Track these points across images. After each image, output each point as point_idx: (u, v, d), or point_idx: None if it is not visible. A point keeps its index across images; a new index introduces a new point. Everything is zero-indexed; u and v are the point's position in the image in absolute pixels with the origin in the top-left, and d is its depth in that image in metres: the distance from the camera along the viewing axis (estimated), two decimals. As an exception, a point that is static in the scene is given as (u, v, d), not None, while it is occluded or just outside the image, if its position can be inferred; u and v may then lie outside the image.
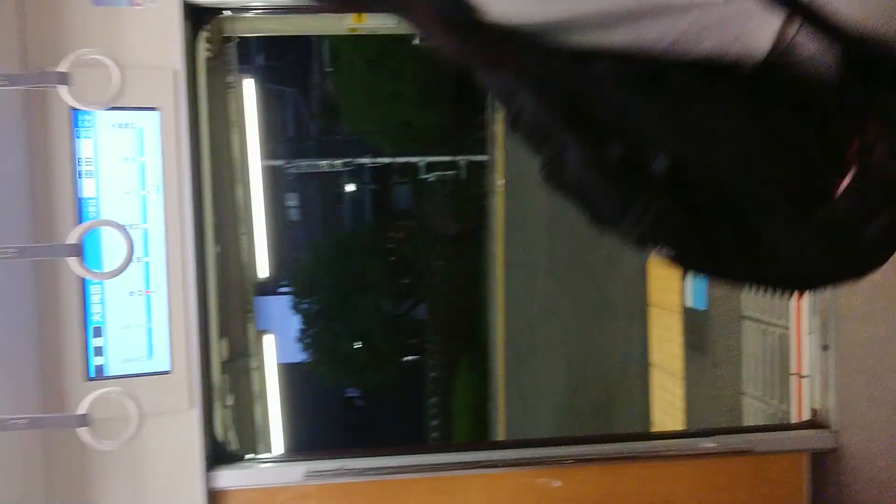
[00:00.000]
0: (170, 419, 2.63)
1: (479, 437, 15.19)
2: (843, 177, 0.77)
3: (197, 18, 2.72)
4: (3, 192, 2.44)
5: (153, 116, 2.61)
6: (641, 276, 6.03)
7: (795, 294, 0.97)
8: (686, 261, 0.92)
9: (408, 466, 2.81)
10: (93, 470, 2.62)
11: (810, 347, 3.08)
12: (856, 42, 0.71)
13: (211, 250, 2.89)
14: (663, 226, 0.84)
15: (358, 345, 18.05)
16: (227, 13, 2.81)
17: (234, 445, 2.96)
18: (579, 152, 0.86)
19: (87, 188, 2.56)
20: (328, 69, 18.11)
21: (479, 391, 15.01)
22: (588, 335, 7.94)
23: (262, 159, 5.70)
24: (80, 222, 2.52)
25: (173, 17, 2.59)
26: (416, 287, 19.25)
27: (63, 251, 2.07)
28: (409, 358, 19.39)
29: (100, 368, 2.59)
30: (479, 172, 16.02)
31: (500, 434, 13.21)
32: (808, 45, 0.72)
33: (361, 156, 18.40)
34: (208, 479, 2.71)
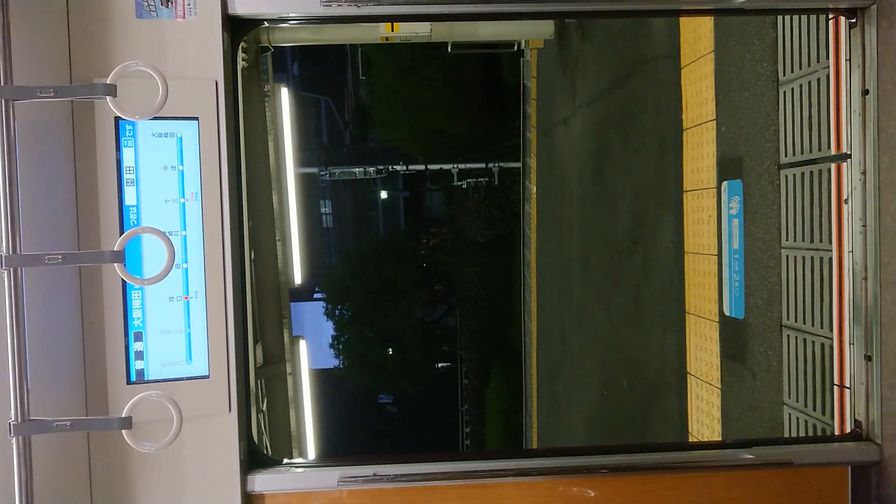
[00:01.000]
0: (208, 423, 2.67)
1: (512, 445, 15.12)
2: None
3: (236, 30, 2.78)
4: (50, 199, 2.51)
5: (192, 125, 2.66)
6: (678, 284, 5.96)
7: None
8: None
9: (441, 473, 2.81)
10: (133, 472, 2.67)
11: (853, 358, 3.01)
12: None
13: (248, 257, 2.93)
14: None
15: (390, 351, 18.12)
16: (265, 24, 2.86)
17: (267, 450, 2.99)
18: None
19: (129, 196, 2.62)
20: (361, 77, 18.29)
21: (512, 399, 14.95)
22: (623, 343, 7.86)
23: (296, 167, 5.78)
24: (123, 229, 2.58)
25: (214, 28, 2.64)
26: (448, 294, 19.27)
27: (108, 258, 2.12)
28: (442, 365, 19.39)
29: (140, 372, 2.64)
30: (512, 179, 16.01)
31: (533, 442, 13.13)
32: None
33: (394, 163, 18.53)
34: (244, 483, 2.74)
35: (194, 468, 2.70)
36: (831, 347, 3.74)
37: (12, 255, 2.07)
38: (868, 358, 2.93)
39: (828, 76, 3.74)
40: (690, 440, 5.75)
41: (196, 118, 2.64)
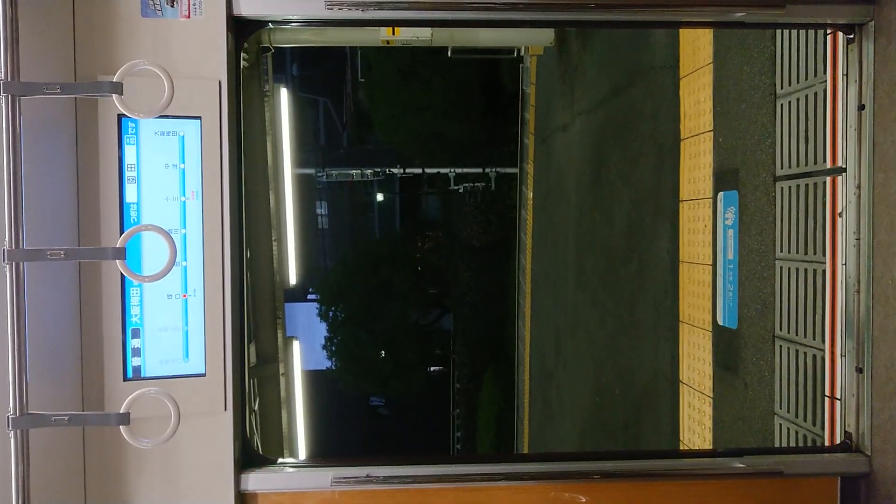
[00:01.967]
0: (203, 421, 2.68)
1: (503, 450, 15.11)
2: None
3: (240, 30, 2.80)
4: (52, 195, 2.52)
5: (195, 125, 2.67)
6: (672, 293, 5.99)
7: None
8: None
9: (434, 476, 2.82)
10: (127, 468, 2.68)
11: (845, 370, 3.04)
12: None
13: (245, 256, 2.95)
14: None
15: (383, 354, 18.10)
16: (269, 25, 2.88)
17: (258, 450, 3.00)
18: None
19: (130, 193, 2.64)
20: (361, 80, 18.32)
21: (504, 404, 14.95)
22: (616, 350, 7.88)
23: (293, 167, 5.79)
24: (123, 226, 2.59)
25: (218, 28, 2.66)
26: (442, 298, 19.26)
27: (110, 254, 2.13)
28: (435, 368, 19.38)
29: (137, 369, 2.65)
30: (509, 185, 16.03)
31: (524, 448, 13.13)
32: None
33: (392, 166, 18.53)
34: (238, 482, 2.75)
35: (188, 466, 2.71)
36: (823, 359, 3.77)
37: (15, 249, 2.08)
38: (859, 370, 2.96)
39: (825, 90, 3.78)
40: (681, 448, 5.77)
41: (199, 117, 2.66)
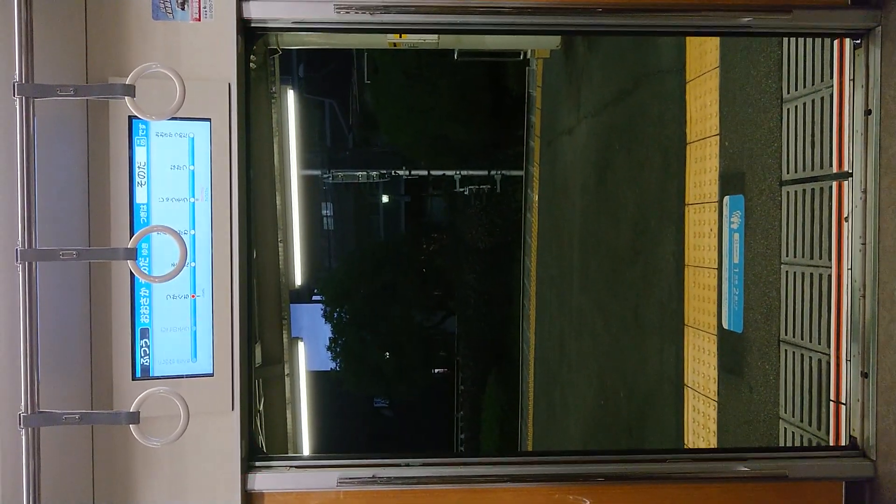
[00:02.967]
0: (210, 421, 2.70)
1: (507, 452, 15.11)
2: None
3: (250, 34, 2.82)
4: (63, 195, 2.54)
5: (204, 126, 2.70)
6: (677, 296, 5.99)
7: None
8: None
9: (440, 477, 2.84)
10: (135, 467, 2.70)
11: (850, 374, 3.04)
12: None
13: (252, 257, 2.97)
14: None
15: (387, 355, 18.12)
16: (278, 29, 2.90)
17: (264, 449, 3.02)
18: None
19: (140, 194, 2.66)
20: (367, 82, 18.37)
21: (508, 406, 14.95)
22: (621, 353, 7.88)
23: (300, 168, 5.81)
24: (133, 227, 2.62)
25: (228, 32, 2.68)
26: (447, 299, 19.28)
27: (122, 254, 2.15)
28: (439, 370, 19.39)
29: (146, 368, 2.67)
30: (514, 187, 16.04)
31: (528, 449, 13.12)
32: None
33: (397, 167, 18.55)
34: (244, 482, 2.77)
35: (195, 465, 2.73)
36: (828, 363, 3.77)
37: (27, 249, 2.11)
38: (864, 375, 2.96)
39: (831, 95, 3.78)
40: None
41: (209, 119, 2.68)
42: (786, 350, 4.28)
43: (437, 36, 7.91)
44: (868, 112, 2.94)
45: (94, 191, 2.64)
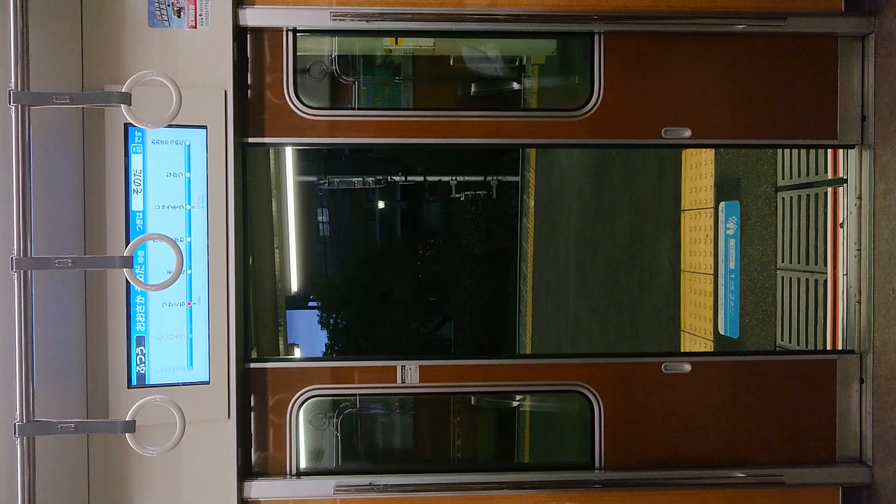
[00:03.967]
0: (206, 429, 2.69)
1: (502, 458, 15.05)
2: None
3: (245, 41, 2.82)
4: (59, 203, 2.53)
5: (200, 134, 2.69)
6: (674, 302, 5.99)
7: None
8: None
9: (436, 485, 2.83)
10: (130, 476, 2.69)
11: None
12: None
13: (248, 264, 2.96)
14: None
15: (384, 361, 18.06)
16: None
17: (261, 458, 3.00)
18: None
19: (136, 202, 2.65)
20: (362, 87, 18.34)
21: (505, 412, 14.89)
22: (617, 359, 7.86)
23: (295, 175, 5.80)
24: (129, 234, 2.61)
25: (225, 39, 2.68)
26: (443, 305, 19.25)
27: (118, 263, 2.14)
28: (435, 376, 19.34)
29: (141, 376, 2.66)
30: (510, 193, 16.04)
31: (525, 458, 13.08)
32: None
33: (394, 174, 18.55)
34: (241, 490, 2.76)
35: (191, 473, 2.72)
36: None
37: (23, 257, 2.10)
38: (861, 381, 2.96)
39: (826, 101, 3.79)
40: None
41: (205, 126, 2.68)
42: (782, 355, 4.29)
43: (433, 41, 7.92)
44: (863, 118, 2.95)
45: (89, 199, 2.63)
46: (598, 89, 2.89)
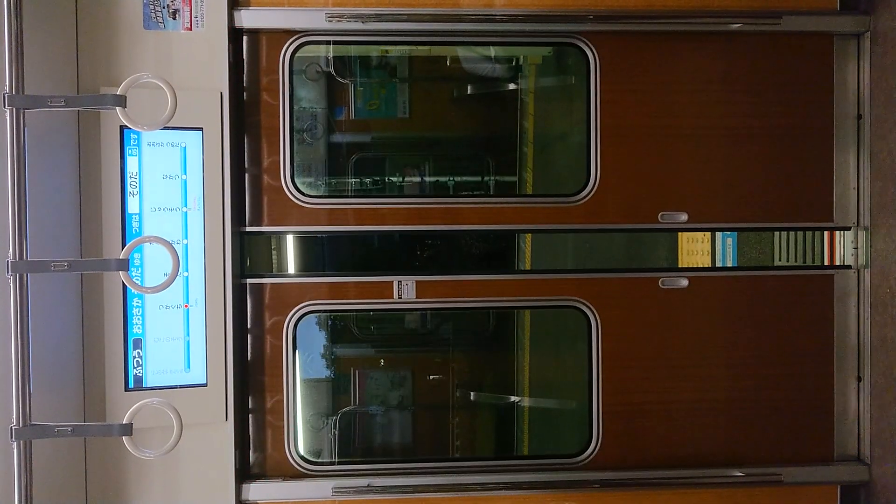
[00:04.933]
0: (204, 431, 2.68)
1: (502, 450, 15.05)
2: None
3: (241, 42, 2.82)
4: (54, 206, 2.53)
5: (196, 136, 2.69)
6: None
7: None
8: None
9: (435, 486, 2.82)
10: (128, 479, 2.68)
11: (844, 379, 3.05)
12: None
13: (245, 266, 2.95)
14: None
15: (382, 362, 18.10)
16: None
17: (260, 460, 2.99)
18: None
19: (132, 204, 2.65)
20: (360, 87, 18.35)
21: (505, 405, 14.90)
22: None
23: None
24: (125, 237, 2.60)
25: (220, 41, 2.68)
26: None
27: (114, 266, 2.14)
28: (434, 377, 19.39)
29: (138, 379, 2.66)
30: (508, 193, 16.04)
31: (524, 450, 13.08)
32: None
33: (391, 175, 18.55)
34: (239, 492, 2.75)
35: (189, 476, 2.71)
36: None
37: (18, 261, 2.09)
38: (858, 379, 2.97)
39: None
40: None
41: (200, 129, 2.67)
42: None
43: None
44: (859, 117, 2.95)
45: (85, 201, 2.62)
46: (595, 175, 3.00)
